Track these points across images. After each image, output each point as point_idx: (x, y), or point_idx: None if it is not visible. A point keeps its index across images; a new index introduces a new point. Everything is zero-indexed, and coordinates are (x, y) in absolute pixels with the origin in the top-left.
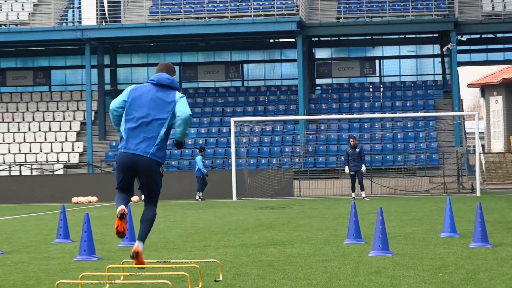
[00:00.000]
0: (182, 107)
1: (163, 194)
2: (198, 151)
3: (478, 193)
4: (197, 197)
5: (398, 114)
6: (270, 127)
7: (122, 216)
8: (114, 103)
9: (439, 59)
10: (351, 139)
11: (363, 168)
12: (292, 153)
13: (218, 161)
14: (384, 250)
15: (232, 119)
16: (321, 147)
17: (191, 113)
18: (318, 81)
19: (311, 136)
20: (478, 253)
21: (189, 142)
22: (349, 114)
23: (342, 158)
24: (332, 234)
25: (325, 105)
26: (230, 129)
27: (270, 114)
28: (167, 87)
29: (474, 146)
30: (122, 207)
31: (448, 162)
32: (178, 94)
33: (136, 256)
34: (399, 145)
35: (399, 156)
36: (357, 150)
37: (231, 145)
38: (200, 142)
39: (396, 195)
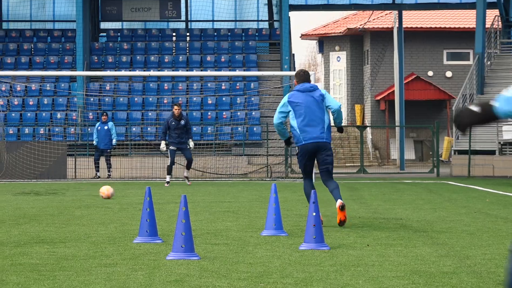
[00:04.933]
0: None
1: None
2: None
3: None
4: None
5: (209, 72)
6: (37, 85)
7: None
8: None
9: (265, 0)
10: (175, 107)
11: (191, 143)
12: (66, 121)
13: None
14: (188, 252)
15: None
16: None
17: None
18: (103, 25)
19: (92, 99)
20: (311, 257)
21: None
22: (144, 70)
23: (154, 129)
24: (119, 230)
25: (112, 58)
26: None
27: (37, 67)
28: None
29: None
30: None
31: (274, 138)
32: None
33: (343, 207)
34: (209, 114)
35: (208, 128)
36: (183, 122)
37: None
38: None
39: (205, 180)
